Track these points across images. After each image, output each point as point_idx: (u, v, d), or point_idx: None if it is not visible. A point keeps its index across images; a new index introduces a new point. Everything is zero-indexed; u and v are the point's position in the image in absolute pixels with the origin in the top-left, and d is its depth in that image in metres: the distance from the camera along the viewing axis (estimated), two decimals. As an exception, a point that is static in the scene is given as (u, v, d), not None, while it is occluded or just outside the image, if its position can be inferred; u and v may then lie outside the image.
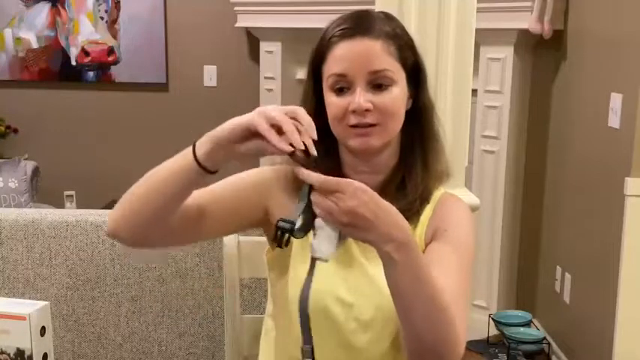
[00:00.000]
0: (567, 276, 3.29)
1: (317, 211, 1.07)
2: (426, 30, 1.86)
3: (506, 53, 3.51)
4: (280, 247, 1.11)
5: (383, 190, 1.30)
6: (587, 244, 3.09)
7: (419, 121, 1.35)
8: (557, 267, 3.41)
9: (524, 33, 3.40)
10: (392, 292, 1.13)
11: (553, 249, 3.53)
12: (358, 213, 1.05)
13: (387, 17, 1.33)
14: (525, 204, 3.70)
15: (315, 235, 1.09)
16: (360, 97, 1.25)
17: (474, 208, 1.91)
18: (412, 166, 1.34)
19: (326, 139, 1.30)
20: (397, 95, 1.28)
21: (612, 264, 2.72)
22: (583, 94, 3.18)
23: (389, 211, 1.09)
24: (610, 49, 2.91)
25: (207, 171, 1.18)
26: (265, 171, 1.38)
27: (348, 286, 1.30)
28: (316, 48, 1.32)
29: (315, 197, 1.06)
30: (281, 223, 1.09)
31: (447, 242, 1.28)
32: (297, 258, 1.33)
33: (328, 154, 1.32)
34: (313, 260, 1.14)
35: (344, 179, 1.07)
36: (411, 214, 1.30)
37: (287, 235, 1.09)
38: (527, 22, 3.34)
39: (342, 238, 1.10)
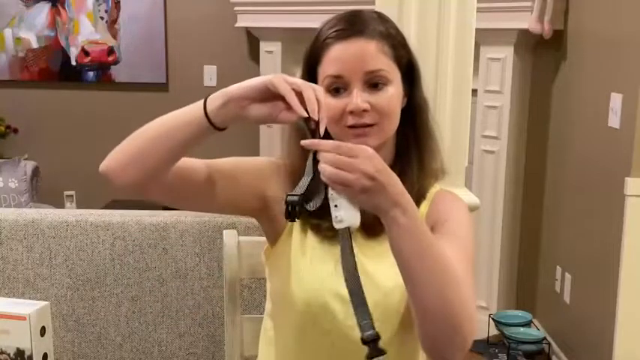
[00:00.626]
0: (567, 276, 3.29)
1: (331, 184, 1.07)
2: (426, 30, 1.86)
3: (506, 53, 3.51)
4: (293, 220, 1.10)
5: None
6: (587, 244, 3.09)
7: (414, 120, 1.35)
8: (557, 267, 3.41)
9: (524, 33, 3.40)
10: (399, 262, 1.13)
11: (553, 249, 3.53)
12: (376, 178, 1.07)
13: (380, 17, 1.33)
14: (525, 204, 3.70)
15: (335, 206, 1.09)
16: (358, 98, 1.25)
17: (473, 208, 1.91)
18: (408, 164, 1.34)
19: (322, 138, 1.30)
20: (393, 94, 1.29)
21: (612, 264, 2.72)
22: (583, 94, 3.18)
23: (396, 179, 1.11)
24: (610, 49, 2.91)
25: (215, 127, 1.19)
26: (265, 161, 1.40)
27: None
28: (310, 50, 1.32)
29: (326, 169, 1.07)
30: (290, 198, 1.09)
31: (449, 235, 1.28)
32: (298, 253, 1.33)
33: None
34: (342, 238, 1.11)
35: (356, 145, 1.09)
36: None
37: (297, 207, 1.09)
38: (527, 22, 3.34)
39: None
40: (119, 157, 1.26)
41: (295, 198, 1.09)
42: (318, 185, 1.10)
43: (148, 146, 1.23)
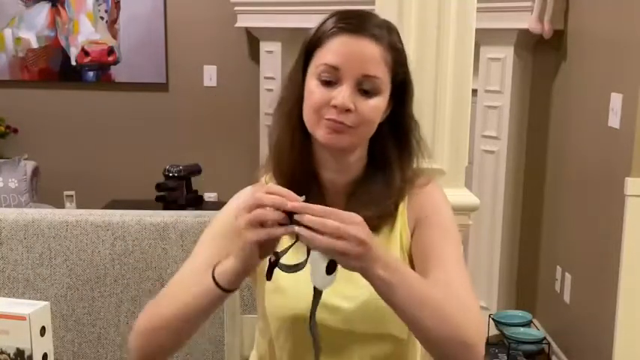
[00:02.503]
0: (567, 276, 3.29)
1: (325, 252, 1.08)
2: (426, 30, 1.86)
3: (506, 53, 3.51)
4: (269, 278, 1.14)
5: (354, 192, 1.32)
6: (587, 244, 3.09)
7: (399, 134, 1.34)
8: (557, 267, 3.41)
9: (524, 33, 3.40)
10: (395, 311, 1.14)
11: (553, 249, 3.53)
12: (366, 242, 1.08)
13: (391, 28, 1.31)
14: (525, 204, 3.70)
15: (311, 266, 1.11)
16: (346, 96, 1.23)
17: (473, 208, 1.91)
18: (391, 179, 1.32)
19: (303, 129, 1.29)
20: (378, 105, 1.27)
21: (612, 264, 2.72)
22: (583, 94, 3.18)
23: (372, 235, 1.11)
24: (610, 49, 2.91)
25: (231, 291, 1.20)
26: (230, 212, 1.35)
27: (332, 290, 1.27)
28: (314, 33, 1.29)
29: (321, 239, 1.06)
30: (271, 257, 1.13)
31: (435, 231, 1.29)
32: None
33: (303, 147, 1.31)
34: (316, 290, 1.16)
35: (343, 211, 1.09)
36: (386, 217, 1.31)
37: (274, 266, 1.13)
38: (527, 22, 3.34)
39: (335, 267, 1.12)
40: (160, 343, 1.25)
41: (272, 257, 1.12)
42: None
43: (175, 340, 1.24)
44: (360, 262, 1.09)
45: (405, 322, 1.16)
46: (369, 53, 1.25)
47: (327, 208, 1.08)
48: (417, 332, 1.16)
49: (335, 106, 1.23)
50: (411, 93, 1.33)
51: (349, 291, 1.29)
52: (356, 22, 1.26)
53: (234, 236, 1.17)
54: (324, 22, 1.29)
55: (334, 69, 1.24)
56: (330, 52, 1.25)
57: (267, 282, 1.31)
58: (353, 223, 1.08)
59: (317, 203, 1.09)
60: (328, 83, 1.25)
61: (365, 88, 1.25)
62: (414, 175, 1.36)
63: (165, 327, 1.23)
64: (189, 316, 1.22)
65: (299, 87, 1.30)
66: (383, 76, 1.26)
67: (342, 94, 1.23)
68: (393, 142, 1.34)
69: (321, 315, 1.27)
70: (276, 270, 1.27)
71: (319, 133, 1.26)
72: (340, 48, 1.24)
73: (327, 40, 1.26)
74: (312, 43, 1.29)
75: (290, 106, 1.31)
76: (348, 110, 1.23)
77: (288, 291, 1.30)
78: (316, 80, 1.26)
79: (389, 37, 1.28)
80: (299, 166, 1.30)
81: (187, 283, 1.24)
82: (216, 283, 1.18)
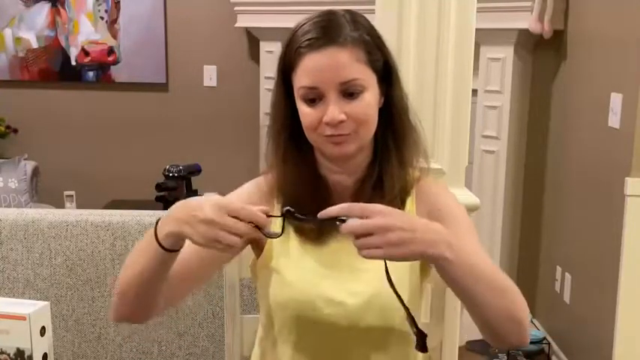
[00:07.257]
0: (567, 276, 3.29)
1: (375, 252, 1.07)
2: (426, 30, 1.86)
3: (506, 53, 3.51)
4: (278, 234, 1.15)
5: (360, 189, 1.32)
6: (587, 244, 3.09)
7: (392, 119, 1.34)
8: (557, 267, 3.41)
9: (524, 33, 3.40)
10: (455, 291, 1.16)
11: (553, 249, 3.53)
12: (405, 228, 1.06)
13: (354, 20, 1.30)
14: (525, 204, 3.70)
15: None
16: (334, 111, 1.24)
17: (473, 208, 1.91)
18: (388, 164, 1.33)
19: (301, 139, 1.31)
20: (369, 101, 1.27)
21: (612, 264, 2.72)
22: (583, 94, 3.18)
23: (421, 220, 1.12)
24: (610, 49, 2.91)
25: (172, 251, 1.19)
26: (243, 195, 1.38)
27: (337, 285, 1.29)
28: (284, 56, 1.31)
29: (369, 240, 1.06)
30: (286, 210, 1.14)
31: (450, 223, 1.29)
32: (280, 255, 1.33)
33: (304, 155, 1.34)
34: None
35: (369, 205, 1.08)
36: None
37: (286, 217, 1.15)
38: (527, 22, 3.34)
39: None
40: (122, 308, 1.29)
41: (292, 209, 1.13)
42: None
43: (133, 295, 1.25)
44: (409, 247, 1.07)
45: (462, 299, 1.17)
46: (339, 62, 1.24)
47: (345, 205, 1.08)
48: (475, 309, 1.17)
49: (328, 123, 1.25)
50: (395, 71, 1.33)
51: (355, 286, 1.30)
52: (317, 35, 1.26)
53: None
54: (289, 43, 1.30)
55: (313, 89, 1.25)
56: (303, 75, 1.26)
57: (274, 276, 1.33)
58: (373, 216, 1.06)
59: (324, 205, 1.10)
60: (314, 100, 1.26)
61: (349, 92, 1.25)
62: (419, 172, 1.37)
63: (126, 291, 1.25)
64: (145, 279, 1.22)
65: (287, 107, 1.32)
66: (360, 74, 1.26)
67: (329, 110, 1.24)
68: (390, 127, 1.34)
69: (325, 310, 1.28)
70: (281, 264, 1.27)
71: (326, 150, 1.29)
72: (309, 68, 1.25)
73: (297, 62, 1.27)
74: (286, 69, 1.30)
75: (278, 128, 1.34)
76: (341, 122, 1.24)
77: (294, 284, 1.30)
78: (303, 102, 1.28)
79: (353, 33, 1.26)
80: (301, 176, 1.31)
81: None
82: (161, 246, 1.17)
